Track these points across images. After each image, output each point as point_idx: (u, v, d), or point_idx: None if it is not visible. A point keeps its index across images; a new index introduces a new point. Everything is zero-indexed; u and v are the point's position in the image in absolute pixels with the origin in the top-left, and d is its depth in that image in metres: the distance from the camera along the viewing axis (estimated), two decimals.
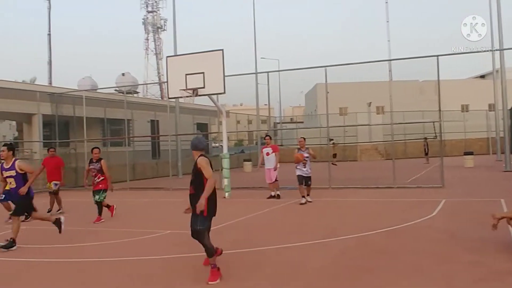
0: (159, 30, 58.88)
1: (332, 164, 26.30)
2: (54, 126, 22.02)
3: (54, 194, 12.34)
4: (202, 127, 36.08)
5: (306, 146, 12.50)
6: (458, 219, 9.19)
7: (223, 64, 13.84)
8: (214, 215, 5.53)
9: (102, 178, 10.53)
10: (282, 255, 6.71)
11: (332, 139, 24.01)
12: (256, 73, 28.35)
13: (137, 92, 40.65)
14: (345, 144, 35.95)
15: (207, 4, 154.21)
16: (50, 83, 33.05)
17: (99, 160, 10.66)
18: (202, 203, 5.21)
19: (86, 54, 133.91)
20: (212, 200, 5.42)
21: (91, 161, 10.76)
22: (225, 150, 15.07)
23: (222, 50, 14.03)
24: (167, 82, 15.07)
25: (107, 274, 6.09)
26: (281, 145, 42.92)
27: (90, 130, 22.27)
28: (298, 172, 12.22)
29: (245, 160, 30.92)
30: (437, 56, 14.78)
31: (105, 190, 10.60)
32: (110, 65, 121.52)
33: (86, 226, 9.92)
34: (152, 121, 29.43)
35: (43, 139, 23.28)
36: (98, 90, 28.70)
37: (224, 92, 14.16)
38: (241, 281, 5.47)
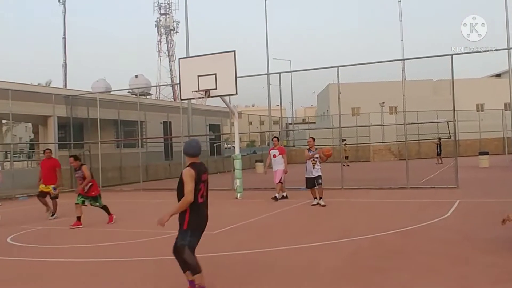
0: (172, 32, 59.21)
1: (344, 165, 26.24)
2: (69, 128, 22.28)
3: (54, 198, 11.76)
4: (215, 128, 36.19)
5: (316, 146, 12.28)
6: (473, 220, 9.10)
7: (235, 65, 13.89)
8: (201, 230, 4.84)
9: (90, 184, 10.18)
10: (293, 256, 6.71)
11: (344, 140, 23.90)
12: (268, 74, 28.37)
13: (150, 94, 40.94)
14: (358, 145, 35.76)
15: (219, 5, 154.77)
16: (65, 85, 33.46)
17: (80, 167, 10.25)
18: (162, 218, 4.65)
19: (100, 57, 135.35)
20: (196, 213, 4.76)
21: (75, 170, 10.45)
22: (237, 151, 15.12)
23: (234, 51, 14.11)
24: (179, 83, 15.15)
25: (123, 274, 6.15)
26: (293, 146, 42.84)
27: (104, 131, 22.48)
28: (306, 175, 11.89)
29: (257, 161, 30.92)
30: (451, 55, 14.64)
31: (99, 196, 10.39)
32: (123, 68, 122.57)
33: (101, 227, 10.02)
34: (165, 122, 29.60)
35: (58, 141, 23.56)
36: (112, 92, 28.97)
37: (236, 93, 14.21)
38: (252, 283, 5.48)
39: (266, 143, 37.90)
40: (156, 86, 52.63)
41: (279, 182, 13.37)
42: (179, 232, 4.76)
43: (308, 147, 12.35)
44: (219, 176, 22.17)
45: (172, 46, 59.42)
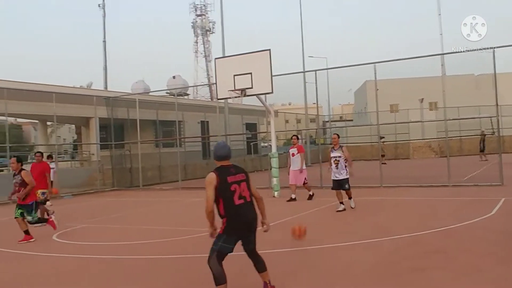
0: (208, 33, 59.87)
1: (382, 163, 25.75)
2: (110, 128, 22.92)
3: (40, 203, 10.45)
4: (251, 127, 36.34)
5: (341, 144, 10.98)
6: None
7: (271, 64, 13.91)
8: (240, 234, 4.56)
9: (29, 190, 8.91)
10: (330, 255, 6.68)
11: (382, 137, 23.48)
12: (303, 72, 28.19)
13: (187, 94, 41.53)
14: (397, 142, 35.06)
15: (254, 4, 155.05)
16: (106, 87, 34.36)
17: (20, 171, 8.98)
18: (211, 232, 4.55)
19: (138, 59, 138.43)
20: (233, 217, 4.49)
21: (14, 174, 9.16)
22: (273, 150, 15.14)
23: (269, 50, 14.13)
24: (216, 83, 15.32)
25: (159, 271, 6.29)
26: (331, 144, 42.42)
27: (143, 132, 22.99)
28: (332, 176, 10.71)
29: None
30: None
31: (35, 205, 9.08)
32: (161, 69, 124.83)
33: (137, 225, 10.26)
34: (202, 122, 29.97)
35: (100, 141, 24.28)
36: (151, 93, 29.58)
37: (272, 92, 14.22)
38: (288, 282, 5.48)
39: (303, 142, 37.75)
40: (193, 86, 53.40)
41: (305, 183, 13.06)
42: (218, 234, 4.55)
43: (332, 145, 11.21)
44: (256, 175, 22.25)
45: (208, 46, 60.08)
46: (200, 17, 59.87)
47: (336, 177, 10.52)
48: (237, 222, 4.51)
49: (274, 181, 14.64)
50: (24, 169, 9.08)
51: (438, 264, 5.82)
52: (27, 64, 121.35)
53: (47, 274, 6.50)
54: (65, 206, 14.98)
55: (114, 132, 22.87)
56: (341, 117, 65.66)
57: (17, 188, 8.91)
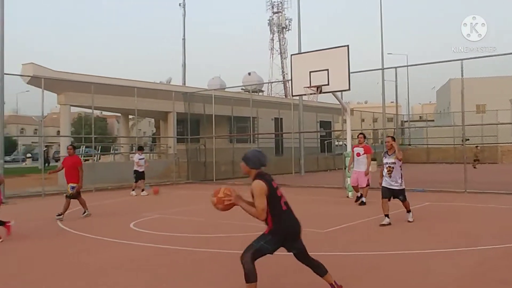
0: (284, 30, 59.85)
1: (473, 167, 24.20)
2: (187, 123, 23.56)
3: (72, 198, 10.56)
4: (325, 125, 35.76)
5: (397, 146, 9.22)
6: None
7: (349, 60, 13.53)
8: (286, 239, 4.40)
9: None
10: (403, 262, 6.22)
11: (467, 139, 22.02)
12: (382, 69, 27.18)
13: (262, 91, 41.75)
14: (484, 145, 32.82)
15: (331, 0, 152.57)
16: (184, 83, 35.43)
17: None
18: (233, 199, 4.33)
19: (215, 56, 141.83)
20: (281, 221, 4.35)
21: None
22: (349, 149, 14.67)
23: (348, 46, 13.73)
24: (291, 80, 15.14)
25: (227, 265, 6.21)
26: (409, 145, 40.72)
27: (218, 127, 23.37)
28: (383, 183, 9.09)
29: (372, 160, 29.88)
30: None
31: None
32: (237, 65, 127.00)
33: (210, 218, 10.30)
34: (276, 118, 29.94)
35: (177, 135, 25.05)
36: (226, 89, 30.04)
37: (349, 89, 13.82)
38: (355, 287, 5.17)
39: (379, 141, 36.51)
40: (268, 83, 53.65)
41: (367, 185, 12.12)
42: (262, 234, 4.42)
43: (386, 149, 9.36)
44: (330, 174, 21.81)
45: (284, 43, 60.11)
46: (276, 14, 60.04)
47: (390, 185, 8.94)
48: (285, 229, 4.40)
49: (348, 181, 14.18)
50: None
51: None
52: (112, 60, 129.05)
53: (125, 260, 6.68)
54: (143, 197, 15.58)
55: (190, 126, 23.45)
56: (420, 116, 62.83)
57: None
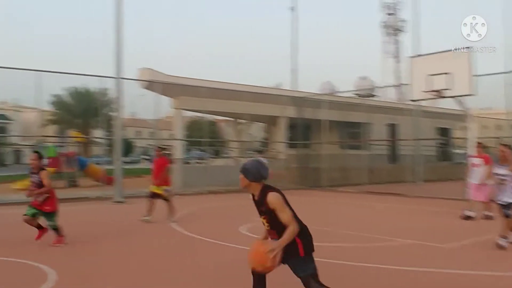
0: (398, 32, 57.42)
1: None
2: (297, 128, 23.57)
3: (166, 200, 10.61)
4: (444, 132, 33.52)
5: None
6: None
7: (472, 63, 12.66)
8: (313, 250, 4.00)
9: (47, 195, 7.74)
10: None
11: None
12: (508, 73, 24.67)
13: (374, 96, 40.38)
14: None
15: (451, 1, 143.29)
16: (294, 87, 35.60)
17: (39, 170, 7.73)
18: (275, 248, 3.77)
19: (326, 59, 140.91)
20: (305, 233, 3.97)
21: (31, 172, 7.87)
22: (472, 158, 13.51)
23: (471, 47, 12.76)
24: (408, 84, 14.48)
25: (345, 277, 5.97)
26: None
27: (329, 132, 23.04)
28: (496, 198, 7.89)
29: None
30: None
31: (54, 214, 7.84)
32: (348, 69, 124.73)
33: (320, 226, 10.08)
34: (390, 124, 28.75)
35: (287, 140, 25.17)
36: (337, 94, 29.55)
37: (474, 94, 12.81)
38: None
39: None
40: (382, 87, 51.79)
41: (485, 200, 10.83)
42: (294, 263, 3.93)
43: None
44: (449, 184, 20.24)
45: (398, 46, 57.61)
46: (390, 16, 57.80)
47: (501, 198, 7.63)
48: (310, 238, 4.00)
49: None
50: (44, 169, 7.83)
51: None
52: (220, 64, 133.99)
53: (239, 264, 6.78)
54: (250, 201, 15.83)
55: (301, 131, 23.42)
56: None
57: (34, 188, 7.72)
